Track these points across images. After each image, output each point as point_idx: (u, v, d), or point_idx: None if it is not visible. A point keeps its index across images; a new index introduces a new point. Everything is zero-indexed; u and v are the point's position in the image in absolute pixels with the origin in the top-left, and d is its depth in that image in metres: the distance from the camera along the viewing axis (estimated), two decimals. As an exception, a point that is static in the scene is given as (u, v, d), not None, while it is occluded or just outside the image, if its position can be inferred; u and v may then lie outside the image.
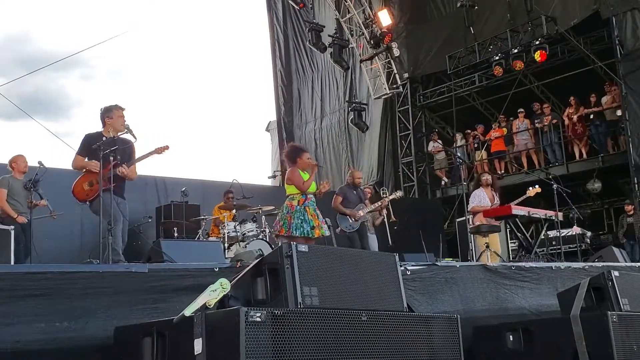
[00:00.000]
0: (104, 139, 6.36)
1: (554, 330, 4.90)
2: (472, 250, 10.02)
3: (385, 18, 16.22)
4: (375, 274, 4.02)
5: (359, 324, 3.55)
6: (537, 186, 9.91)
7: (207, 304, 3.29)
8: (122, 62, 44.69)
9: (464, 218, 10.38)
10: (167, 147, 6.53)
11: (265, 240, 9.95)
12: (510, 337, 5.04)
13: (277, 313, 3.19)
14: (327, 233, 7.09)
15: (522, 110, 15.29)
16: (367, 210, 9.49)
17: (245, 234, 9.99)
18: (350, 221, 9.27)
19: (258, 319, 3.09)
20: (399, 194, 10.38)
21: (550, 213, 9.51)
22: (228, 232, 9.84)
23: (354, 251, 4.81)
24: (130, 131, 6.56)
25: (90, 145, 6.30)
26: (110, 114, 6.52)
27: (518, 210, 9.18)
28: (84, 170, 6.40)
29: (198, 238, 10.30)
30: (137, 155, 6.60)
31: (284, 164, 18.95)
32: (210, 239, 10.29)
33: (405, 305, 4.12)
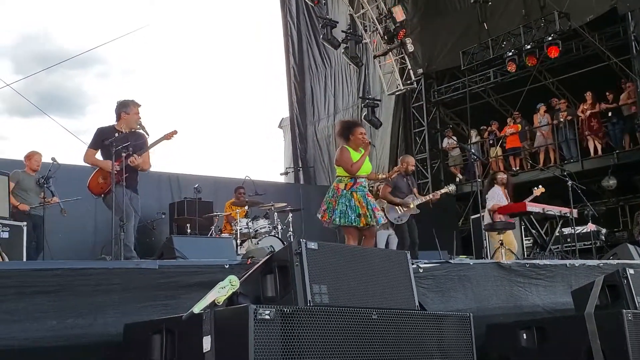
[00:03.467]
0: (117, 134, 6.37)
1: (568, 329, 4.85)
2: (486, 247, 9.95)
3: (399, 13, 16.12)
4: (386, 272, 3.98)
5: (369, 322, 3.50)
6: (540, 186, 9.84)
7: (215, 301, 3.26)
8: (137, 60, 44.89)
9: (478, 215, 10.30)
10: (175, 132, 6.52)
11: (278, 237, 9.93)
12: (524, 335, 4.99)
13: (286, 311, 3.16)
14: (381, 222, 6.39)
15: (542, 104, 15.13)
16: (417, 202, 8.65)
17: (257, 230, 9.97)
18: (399, 212, 8.54)
19: (267, 317, 3.06)
20: (452, 187, 9.35)
21: (565, 210, 9.45)
22: (240, 229, 9.82)
23: (364, 249, 4.77)
24: (142, 127, 6.58)
25: (102, 140, 6.30)
26: (127, 109, 6.53)
27: (533, 207, 9.13)
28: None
29: (211, 234, 10.30)
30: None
31: (296, 160, 19.15)
32: (223, 235, 10.29)
33: (417, 303, 4.08)
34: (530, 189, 10.26)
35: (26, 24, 39.23)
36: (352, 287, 3.70)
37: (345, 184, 6.27)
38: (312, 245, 3.58)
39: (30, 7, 39.32)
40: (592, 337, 4.54)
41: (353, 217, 6.13)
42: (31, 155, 8.68)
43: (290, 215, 10.66)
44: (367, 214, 6.17)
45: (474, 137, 16.49)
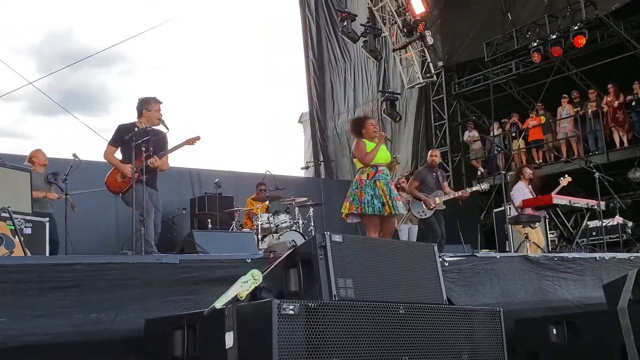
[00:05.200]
0: (136, 129, 6.35)
1: (600, 324, 4.70)
2: (510, 241, 9.78)
3: (418, 6, 15.94)
4: (413, 266, 3.87)
5: (397, 317, 3.40)
6: (566, 175, 9.64)
7: (238, 296, 3.18)
8: (159, 57, 44.94)
9: (501, 209, 10.14)
10: (198, 138, 6.51)
11: (299, 232, 9.86)
12: (554, 330, 4.86)
13: (311, 305, 3.07)
14: (401, 210, 6.43)
15: (565, 96, 14.86)
16: (444, 198, 8.68)
17: (278, 225, 9.91)
18: (424, 207, 8.64)
19: (291, 312, 2.97)
20: (484, 186, 9.24)
21: (592, 202, 9.25)
22: (261, 224, 9.77)
23: (390, 242, 4.66)
24: (162, 122, 6.55)
25: (123, 136, 6.29)
26: (148, 106, 6.54)
27: (559, 199, 8.96)
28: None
29: (232, 229, 10.26)
30: (169, 146, 6.61)
31: (317, 155, 19.05)
32: (244, 230, 10.25)
33: (445, 297, 3.96)
34: (554, 181, 10.08)
35: (51, 22, 39.49)
36: (378, 281, 3.60)
37: (367, 174, 6.31)
38: (337, 237, 3.48)
39: (55, 6, 39.56)
40: (625, 333, 4.39)
41: (379, 206, 6.17)
42: (37, 153, 8.56)
43: (311, 209, 10.59)
44: (390, 203, 6.20)
45: (496, 129, 16.27)
